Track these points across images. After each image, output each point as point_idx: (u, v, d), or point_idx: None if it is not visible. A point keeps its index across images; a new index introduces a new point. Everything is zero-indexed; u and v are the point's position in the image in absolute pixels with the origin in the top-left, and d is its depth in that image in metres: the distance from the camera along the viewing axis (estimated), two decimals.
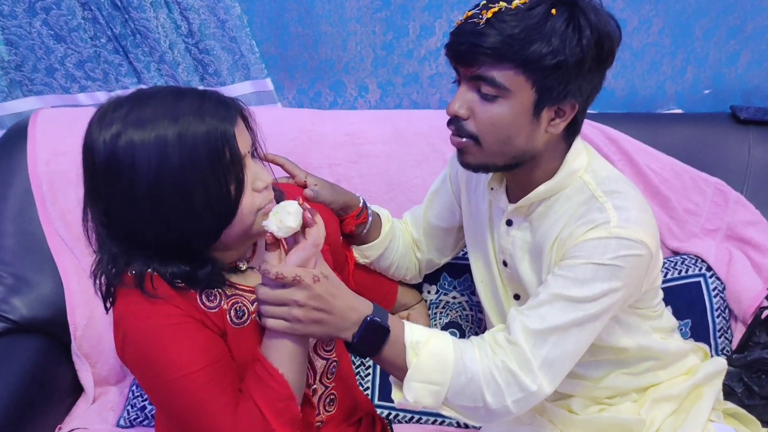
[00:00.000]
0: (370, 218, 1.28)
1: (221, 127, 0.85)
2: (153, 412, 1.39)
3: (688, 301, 1.50)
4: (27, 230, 1.50)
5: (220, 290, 0.96)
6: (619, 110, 1.77)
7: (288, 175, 1.25)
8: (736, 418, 1.26)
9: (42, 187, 1.51)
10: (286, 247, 0.95)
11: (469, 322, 1.48)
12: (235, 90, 1.70)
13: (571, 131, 1.02)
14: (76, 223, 1.51)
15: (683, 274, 1.52)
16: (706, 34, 1.70)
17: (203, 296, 0.94)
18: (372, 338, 0.94)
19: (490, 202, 1.16)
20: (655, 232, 1.01)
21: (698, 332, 1.48)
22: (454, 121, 0.99)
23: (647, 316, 1.15)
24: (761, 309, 1.48)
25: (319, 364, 1.07)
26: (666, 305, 1.46)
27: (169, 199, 0.84)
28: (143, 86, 1.69)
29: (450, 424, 1.42)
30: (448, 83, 1.71)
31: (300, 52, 1.69)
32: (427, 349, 0.95)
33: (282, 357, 0.91)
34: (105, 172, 0.85)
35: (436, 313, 1.49)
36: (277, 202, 0.93)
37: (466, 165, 1.03)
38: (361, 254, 1.32)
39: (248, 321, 0.97)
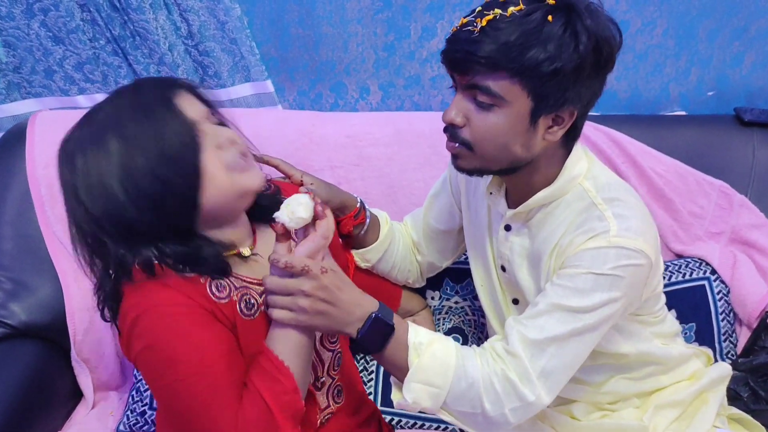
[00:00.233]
0: (368, 219, 1.28)
1: (159, 95, 0.90)
2: (153, 417, 1.38)
3: (693, 305, 1.50)
4: (25, 234, 1.49)
5: (229, 281, 0.96)
6: (622, 112, 1.76)
7: (284, 175, 1.24)
8: (741, 423, 1.25)
9: (41, 191, 1.50)
10: (296, 240, 0.95)
11: (472, 327, 1.48)
12: (236, 92, 1.69)
13: (571, 136, 1.01)
14: None
15: (687, 277, 1.51)
16: (710, 35, 1.69)
17: (213, 287, 0.94)
18: (376, 335, 0.94)
19: (489, 206, 1.15)
20: (655, 242, 1.00)
21: (703, 336, 1.48)
22: (450, 128, 0.99)
23: (648, 323, 1.14)
24: (767, 313, 1.47)
25: (326, 356, 1.08)
26: (670, 309, 1.46)
27: (141, 181, 0.87)
28: None
29: (453, 431, 1.41)
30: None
31: (301, 54, 1.68)
32: (429, 351, 0.95)
33: (288, 350, 0.91)
34: (83, 189, 0.89)
35: (439, 319, 1.48)
36: (276, 199, 0.95)
37: (460, 169, 1.02)
38: (362, 258, 1.31)
39: (257, 313, 0.98)
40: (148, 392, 1.39)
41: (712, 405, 1.17)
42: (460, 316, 1.48)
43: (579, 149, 1.04)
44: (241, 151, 0.95)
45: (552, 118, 0.95)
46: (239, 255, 0.99)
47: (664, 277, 1.47)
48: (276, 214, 0.91)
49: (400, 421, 1.42)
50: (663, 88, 1.75)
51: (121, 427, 1.37)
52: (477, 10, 0.93)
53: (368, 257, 1.31)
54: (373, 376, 1.45)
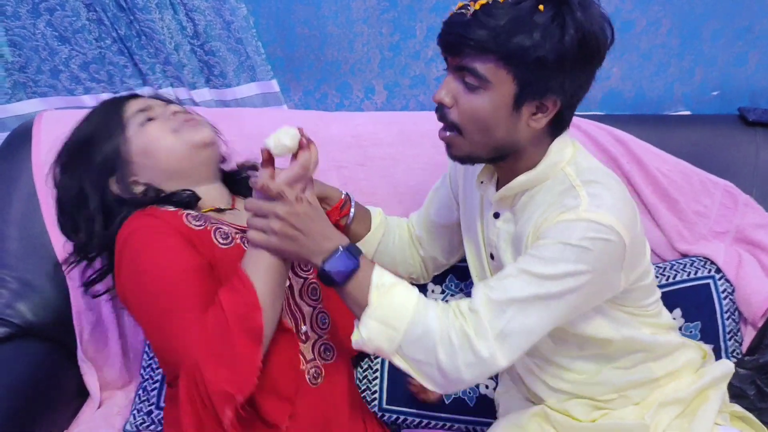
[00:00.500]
0: (353, 209, 1.31)
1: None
2: (160, 416, 1.38)
3: (698, 304, 1.50)
4: (31, 234, 1.49)
5: (205, 217, 1.12)
6: (626, 112, 1.76)
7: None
8: (744, 421, 1.25)
9: (47, 191, 1.49)
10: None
11: None
12: (241, 92, 1.70)
13: (557, 126, 1.03)
14: None
15: (692, 276, 1.51)
16: (715, 35, 1.69)
17: (189, 218, 1.09)
18: (340, 268, 0.97)
19: (481, 196, 1.18)
20: (631, 225, 0.99)
21: (708, 335, 1.48)
22: (440, 108, 1.02)
23: (636, 315, 1.15)
24: None
25: (307, 310, 1.16)
26: (675, 307, 1.47)
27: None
28: (148, 88, 1.68)
29: (459, 430, 1.42)
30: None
31: (306, 54, 1.68)
32: (390, 292, 0.98)
33: (256, 268, 0.99)
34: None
35: None
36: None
37: (453, 157, 1.06)
38: None
39: (233, 243, 1.10)
40: (155, 392, 1.39)
41: (714, 402, 1.17)
42: None
43: (566, 139, 1.07)
44: (184, 119, 1.18)
45: (536, 106, 0.98)
46: (217, 210, 1.17)
47: (668, 276, 1.50)
48: (265, 140, 1.00)
49: (405, 419, 1.42)
50: (667, 87, 1.75)
51: (128, 427, 1.37)
52: None
53: (364, 250, 1.31)
54: (377, 374, 1.45)
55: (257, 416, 1.06)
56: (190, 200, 1.15)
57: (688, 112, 1.78)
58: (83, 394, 1.48)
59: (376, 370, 1.45)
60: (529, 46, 0.91)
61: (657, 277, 1.50)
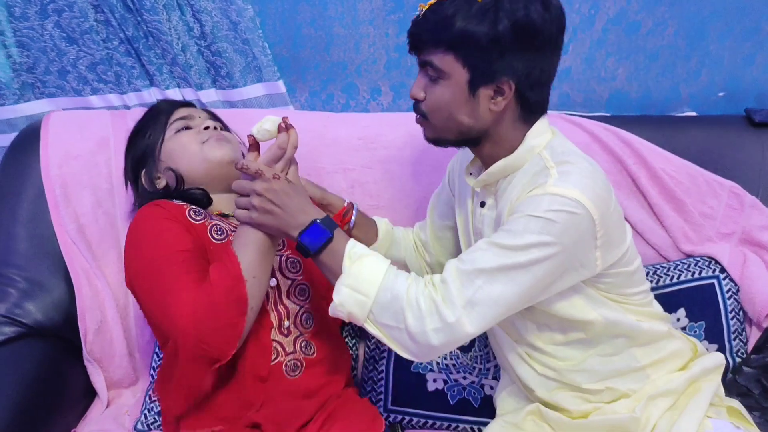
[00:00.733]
0: (354, 218, 1.37)
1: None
2: None
3: (702, 303, 1.50)
4: (40, 234, 1.49)
5: (206, 213, 1.23)
6: (633, 113, 1.76)
7: None
8: (740, 418, 1.25)
9: (55, 191, 1.51)
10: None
11: None
12: (248, 92, 1.70)
13: (527, 110, 1.09)
14: (88, 227, 1.51)
15: (696, 276, 1.52)
16: (721, 36, 1.69)
17: (191, 212, 1.21)
18: (314, 239, 1.04)
19: (472, 189, 1.22)
20: (600, 202, 1.02)
21: (712, 334, 1.48)
22: (415, 103, 1.12)
23: (620, 302, 1.16)
24: None
25: (293, 308, 1.23)
26: (679, 307, 1.48)
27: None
28: (155, 89, 1.69)
29: (464, 430, 1.42)
30: None
31: (312, 55, 1.69)
32: (362, 261, 1.04)
33: (241, 243, 1.08)
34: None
35: None
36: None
37: (427, 139, 1.15)
38: None
39: (226, 239, 1.20)
40: None
41: (706, 393, 1.17)
42: None
43: (544, 125, 1.12)
44: (215, 135, 1.31)
45: (493, 89, 1.04)
46: (221, 214, 1.29)
47: (672, 276, 1.50)
48: (252, 129, 1.12)
49: (411, 420, 1.43)
50: (673, 88, 1.75)
51: (139, 426, 1.38)
52: None
53: None
54: (383, 376, 1.45)
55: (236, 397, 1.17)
56: (201, 199, 1.27)
57: (694, 113, 1.78)
58: (91, 392, 1.49)
59: (381, 371, 1.45)
60: (470, 32, 0.99)
61: (661, 276, 1.51)
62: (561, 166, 1.05)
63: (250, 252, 1.07)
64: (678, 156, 1.58)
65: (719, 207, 1.58)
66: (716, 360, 1.23)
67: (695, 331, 1.47)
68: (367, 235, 1.38)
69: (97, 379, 1.47)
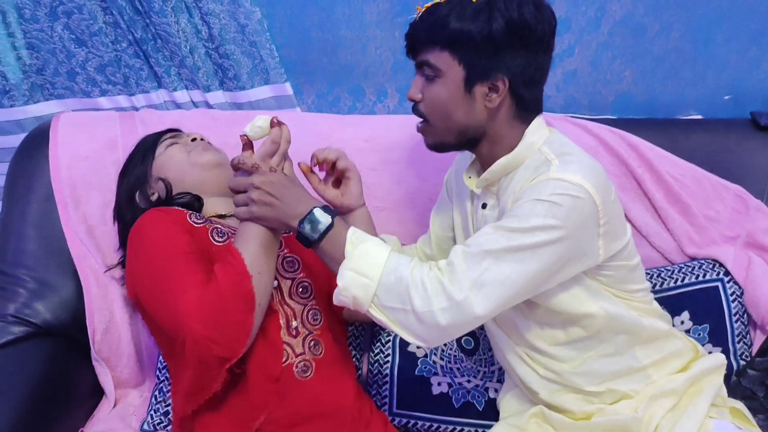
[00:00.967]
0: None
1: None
2: None
3: (706, 307, 1.50)
4: (49, 235, 1.51)
5: (205, 218, 1.25)
6: (638, 116, 1.76)
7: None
8: (742, 418, 1.25)
9: (64, 192, 1.52)
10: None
11: (484, 330, 1.49)
12: (255, 94, 1.71)
13: (523, 108, 1.11)
14: (97, 228, 1.53)
15: (701, 278, 1.52)
16: (727, 39, 1.69)
17: (192, 216, 1.23)
18: (314, 227, 1.04)
19: (471, 193, 1.23)
20: (601, 188, 1.03)
21: (716, 337, 1.48)
22: (414, 104, 1.14)
23: (622, 297, 1.17)
24: None
25: (298, 308, 1.23)
26: (683, 310, 1.48)
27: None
28: (163, 90, 1.70)
29: None
30: None
31: (319, 57, 1.69)
32: (365, 245, 1.03)
33: (243, 239, 1.09)
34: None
35: None
36: None
37: (428, 146, 1.17)
38: None
39: (228, 241, 1.21)
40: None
41: (707, 394, 1.17)
42: None
43: (541, 123, 1.14)
44: (201, 145, 1.37)
45: (488, 87, 1.07)
46: (218, 215, 1.32)
47: (676, 279, 1.50)
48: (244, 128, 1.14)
49: (416, 424, 1.43)
50: (679, 91, 1.75)
51: (146, 426, 1.39)
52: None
53: None
54: (387, 379, 1.46)
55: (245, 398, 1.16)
56: (191, 202, 1.31)
57: (699, 117, 1.77)
58: (99, 392, 1.50)
59: (386, 375, 1.46)
60: (465, 31, 1.03)
61: (666, 279, 1.51)
62: (562, 157, 1.07)
63: (252, 247, 1.08)
64: (683, 159, 1.58)
65: (724, 210, 1.57)
66: (717, 360, 1.24)
67: (699, 334, 1.47)
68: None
69: (105, 379, 1.49)
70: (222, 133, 1.58)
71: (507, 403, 1.32)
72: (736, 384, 1.40)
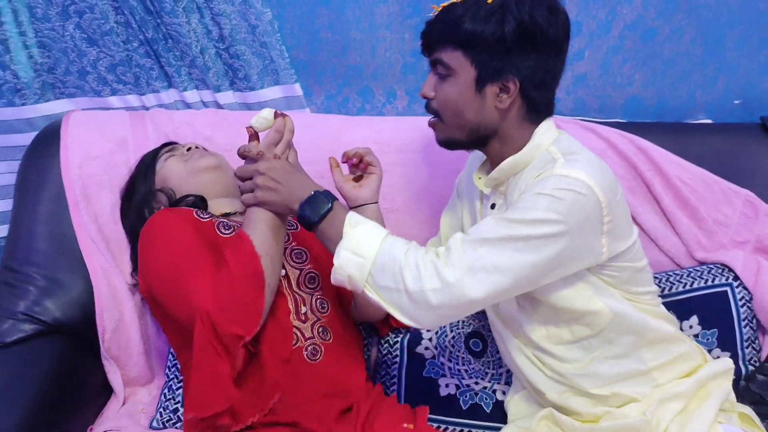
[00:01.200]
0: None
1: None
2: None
3: (715, 311, 1.50)
4: (60, 233, 1.51)
5: (211, 214, 1.32)
6: (648, 119, 1.76)
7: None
8: (751, 423, 1.25)
9: (74, 190, 1.53)
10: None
11: (492, 332, 1.49)
12: (265, 95, 1.71)
13: (533, 110, 1.13)
14: (107, 226, 1.53)
15: (709, 283, 1.52)
16: (738, 44, 1.69)
17: (198, 213, 1.29)
18: (314, 208, 1.08)
19: (481, 194, 1.25)
20: (606, 187, 1.04)
21: (725, 342, 1.48)
22: (426, 102, 1.17)
23: (629, 299, 1.17)
24: None
25: (307, 298, 1.27)
26: (692, 315, 1.48)
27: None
28: (173, 90, 1.71)
29: None
30: None
31: (329, 58, 1.70)
32: (362, 226, 1.07)
33: (250, 223, 1.14)
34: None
35: (458, 322, 1.49)
36: None
37: (438, 142, 1.20)
38: None
39: (234, 232, 1.25)
40: (180, 391, 1.42)
41: (716, 398, 1.18)
42: (481, 321, 1.49)
43: (551, 125, 1.16)
44: (198, 153, 1.45)
45: (499, 87, 1.09)
46: (224, 214, 1.37)
47: (685, 284, 1.50)
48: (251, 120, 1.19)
49: None
50: (689, 95, 1.75)
51: (155, 423, 1.40)
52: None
53: None
54: (395, 380, 1.46)
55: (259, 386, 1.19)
56: (195, 202, 1.37)
57: (709, 121, 1.77)
58: (108, 389, 1.50)
59: (394, 376, 1.46)
60: (478, 32, 1.05)
61: (674, 284, 1.51)
62: (568, 156, 1.08)
63: (260, 229, 1.13)
64: (693, 163, 1.58)
65: (734, 215, 1.57)
66: (725, 364, 1.24)
67: (708, 339, 1.47)
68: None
69: (114, 377, 1.49)
70: (231, 133, 1.59)
71: (515, 405, 1.32)
72: (744, 389, 1.40)
